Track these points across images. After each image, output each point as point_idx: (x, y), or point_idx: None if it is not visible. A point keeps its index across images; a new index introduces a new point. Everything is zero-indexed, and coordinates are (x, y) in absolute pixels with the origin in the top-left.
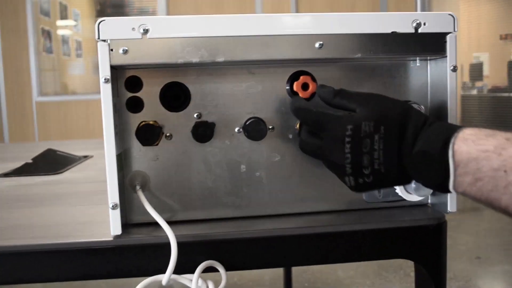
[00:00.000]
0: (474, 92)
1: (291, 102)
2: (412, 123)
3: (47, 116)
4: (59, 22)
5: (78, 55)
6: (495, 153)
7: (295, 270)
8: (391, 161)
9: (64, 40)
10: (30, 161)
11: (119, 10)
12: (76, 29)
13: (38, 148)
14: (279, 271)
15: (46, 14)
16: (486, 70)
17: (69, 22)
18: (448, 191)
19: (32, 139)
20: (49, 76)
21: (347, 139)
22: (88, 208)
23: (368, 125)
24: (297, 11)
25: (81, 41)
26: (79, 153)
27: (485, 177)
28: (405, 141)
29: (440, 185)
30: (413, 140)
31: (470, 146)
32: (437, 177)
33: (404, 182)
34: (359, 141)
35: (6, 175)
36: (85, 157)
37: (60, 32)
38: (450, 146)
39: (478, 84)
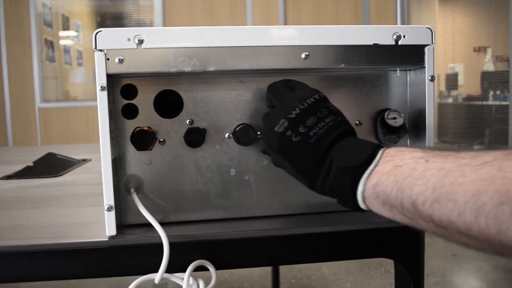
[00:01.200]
0: (450, 100)
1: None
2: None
3: (49, 121)
4: (62, 33)
5: (79, 64)
6: (422, 150)
7: (283, 267)
8: (325, 140)
9: (66, 50)
10: (31, 164)
11: (118, 21)
12: (78, 40)
13: (39, 152)
14: (267, 268)
15: (49, 25)
16: (461, 80)
17: (71, 33)
18: (356, 185)
19: (35, 143)
20: (52, 84)
21: (315, 97)
22: (85, 209)
23: (333, 106)
24: (285, 20)
25: (82, 50)
26: (78, 156)
27: (405, 164)
28: (347, 135)
29: (356, 170)
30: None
31: (402, 147)
32: (358, 159)
33: (318, 171)
34: (320, 105)
35: (8, 177)
36: (84, 160)
37: (62, 42)
38: (384, 148)
39: (454, 93)
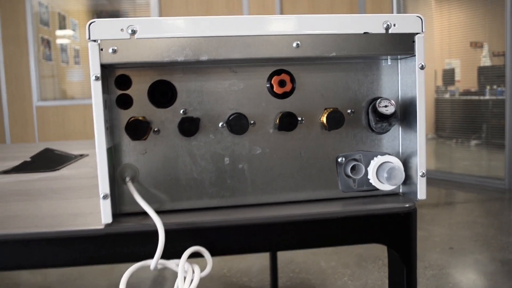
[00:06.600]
0: (447, 95)
1: None
2: None
3: (47, 120)
4: (58, 32)
5: (76, 63)
6: None
7: (281, 261)
8: None
9: (63, 49)
10: (29, 159)
11: None
12: (74, 38)
13: (37, 148)
14: (266, 263)
15: (46, 24)
16: (457, 75)
17: (68, 31)
18: None
19: (33, 141)
20: (49, 82)
21: None
22: (81, 201)
23: None
24: (281, 11)
25: (79, 49)
26: (75, 152)
27: None
28: None
29: None
30: None
31: None
32: None
33: None
34: None
35: (5, 172)
36: (81, 155)
37: (59, 41)
38: None
39: (451, 88)
